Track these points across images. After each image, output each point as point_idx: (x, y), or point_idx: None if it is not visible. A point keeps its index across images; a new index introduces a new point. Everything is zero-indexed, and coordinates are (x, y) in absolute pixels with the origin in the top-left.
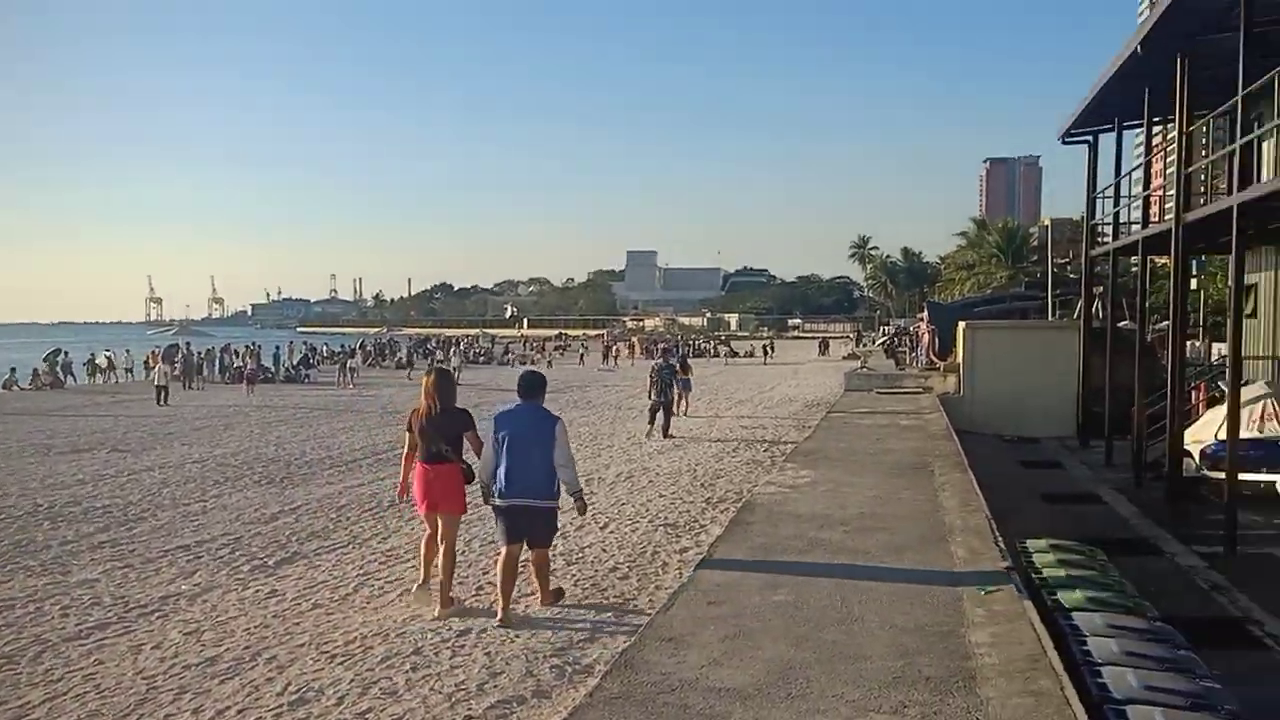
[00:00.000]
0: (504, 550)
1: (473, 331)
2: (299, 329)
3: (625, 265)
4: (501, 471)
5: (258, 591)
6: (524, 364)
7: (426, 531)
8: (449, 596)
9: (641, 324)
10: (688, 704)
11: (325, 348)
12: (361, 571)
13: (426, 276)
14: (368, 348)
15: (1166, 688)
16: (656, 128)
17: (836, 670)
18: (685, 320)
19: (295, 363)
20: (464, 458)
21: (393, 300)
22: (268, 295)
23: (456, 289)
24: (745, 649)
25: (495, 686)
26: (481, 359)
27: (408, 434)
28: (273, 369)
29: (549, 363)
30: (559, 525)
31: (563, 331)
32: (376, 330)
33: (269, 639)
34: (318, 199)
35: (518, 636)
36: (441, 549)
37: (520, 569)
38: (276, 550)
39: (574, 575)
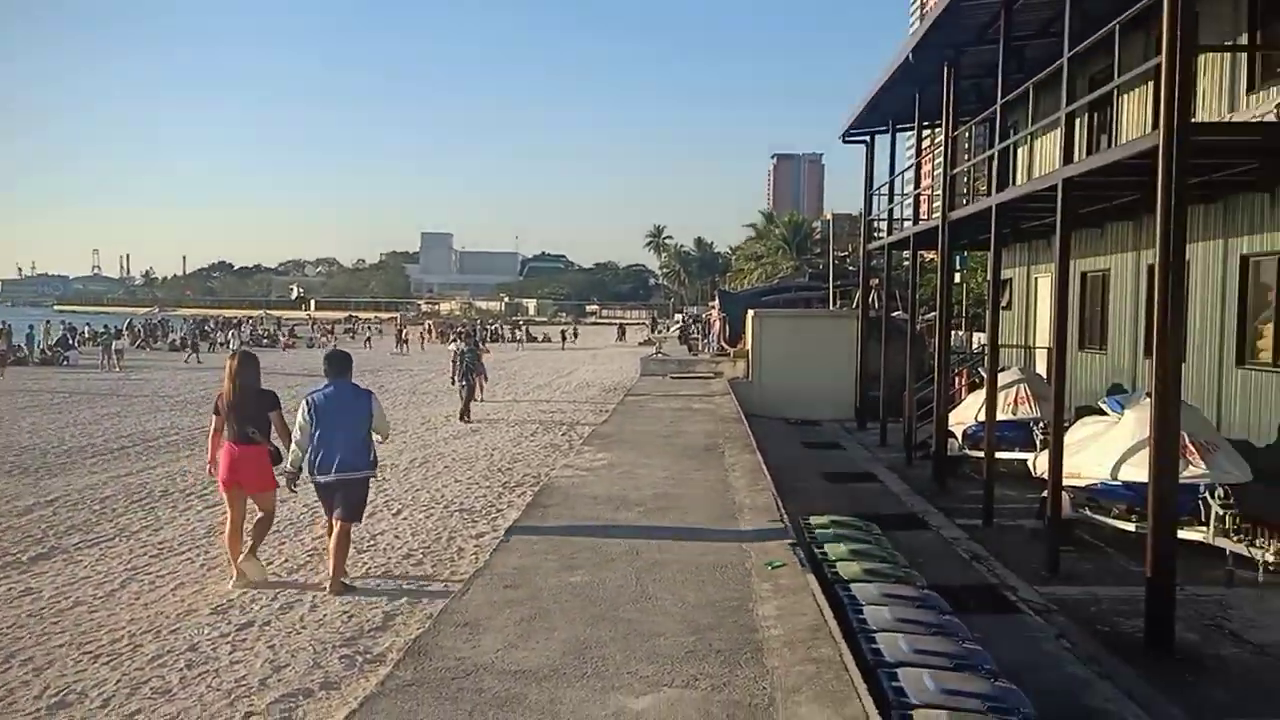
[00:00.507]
0: (326, 520)
1: (255, 313)
2: (56, 307)
3: (420, 247)
4: (317, 449)
5: (10, 590)
6: (311, 347)
7: (229, 513)
8: (254, 561)
9: (437, 307)
10: (483, 687)
11: (88, 328)
12: (129, 566)
13: (204, 254)
14: (136, 328)
15: (933, 650)
16: (454, 108)
17: (632, 647)
18: (483, 304)
19: (52, 343)
20: (271, 439)
21: (165, 279)
22: (20, 270)
23: (237, 268)
24: (542, 630)
25: (280, 680)
26: (265, 342)
27: (215, 416)
28: (25, 350)
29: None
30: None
31: (353, 314)
32: (146, 310)
33: (24, 639)
34: (79, 167)
35: (304, 628)
36: (259, 518)
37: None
38: (31, 545)
39: (365, 563)
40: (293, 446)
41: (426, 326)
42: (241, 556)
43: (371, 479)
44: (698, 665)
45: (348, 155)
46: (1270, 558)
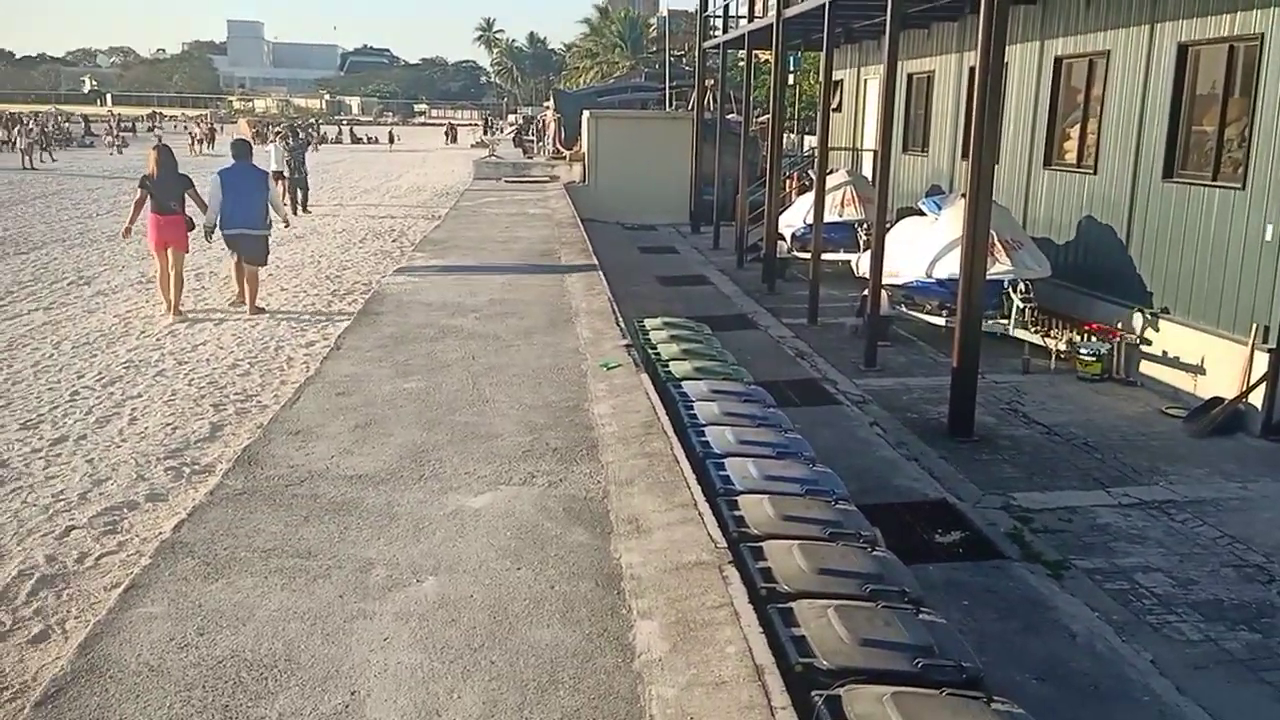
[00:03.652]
0: (234, 260)
1: (43, 108)
2: None
3: (227, 36)
4: (227, 211)
5: None
6: (119, 148)
7: (159, 270)
8: (178, 308)
9: (251, 105)
10: (318, 494)
11: None
12: None
13: None
14: None
15: (758, 441)
16: None
17: (469, 449)
18: (301, 102)
19: None
20: (186, 211)
21: None
22: None
23: (19, 58)
24: (377, 436)
25: (101, 494)
26: (57, 142)
27: (140, 190)
28: None
29: (119, 148)
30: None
31: (156, 110)
32: None
33: None
34: None
35: (124, 442)
36: (173, 275)
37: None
38: None
39: (186, 374)
40: (210, 211)
41: (199, 130)
42: (169, 307)
43: (268, 236)
44: (535, 463)
45: None
46: (1062, 347)
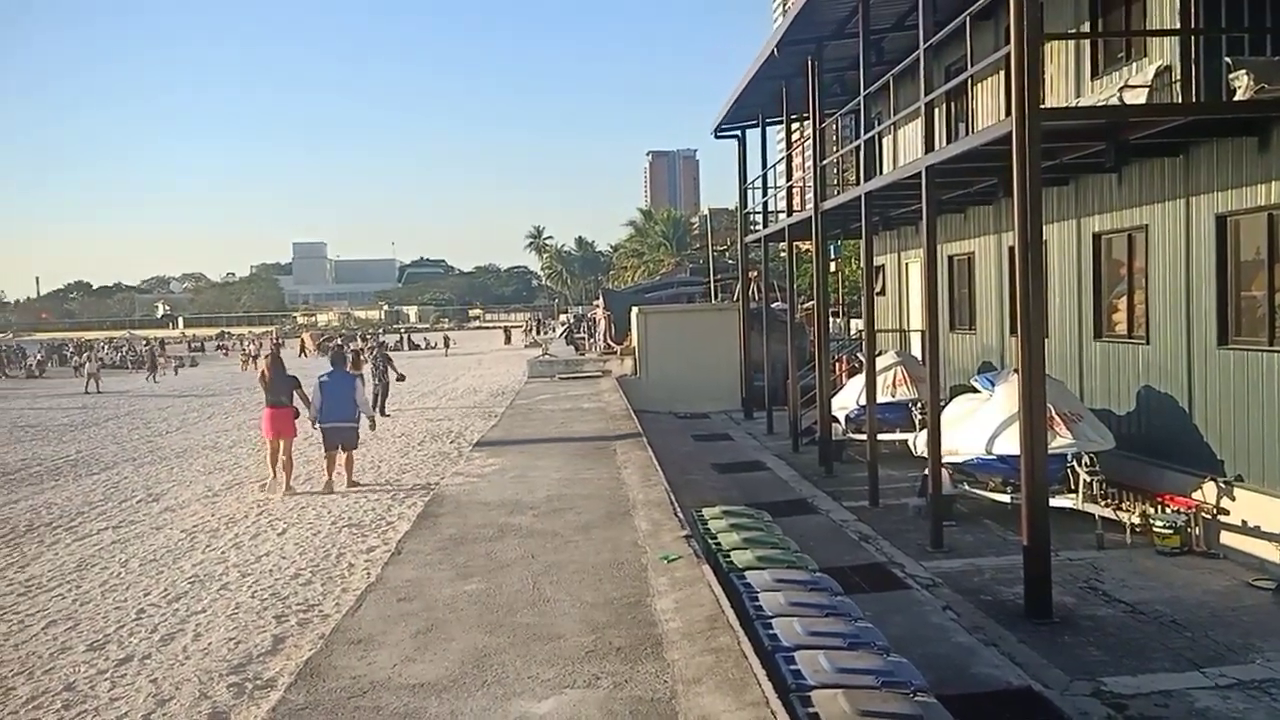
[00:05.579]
0: (327, 454)
1: (117, 333)
2: None
3: (292, 258)
4: (324, 408)
5: None
6: (176, 368)
7: (269, 449)
8: (290, 485)
9: (314, 319)
10: (380, 705)
11: None
12: None
13: (59, 275)
14: None
15: (827, 632)
16: (321, 114)
17: (531, 652)
18: (362, 314)
19: None
20: (294, 404)
21: (18, 302)
22: None
23: (96, 287)
24: (438, 642)
25: (164, 715)
26: (130, 364)
27: (260, 385)
28: None
29: (176, 369)
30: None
31: (225, 330)
32: None
33: None
34: None
35: (187, 659)
36: (283, 459)
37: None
38: None
39: (250, 586)
40: (311, 407)
41: (301, 339)
42: (283, 486)
43: (358, 426)
44: (598, 664)
45: (208, 170)
46: (1136, 520)
